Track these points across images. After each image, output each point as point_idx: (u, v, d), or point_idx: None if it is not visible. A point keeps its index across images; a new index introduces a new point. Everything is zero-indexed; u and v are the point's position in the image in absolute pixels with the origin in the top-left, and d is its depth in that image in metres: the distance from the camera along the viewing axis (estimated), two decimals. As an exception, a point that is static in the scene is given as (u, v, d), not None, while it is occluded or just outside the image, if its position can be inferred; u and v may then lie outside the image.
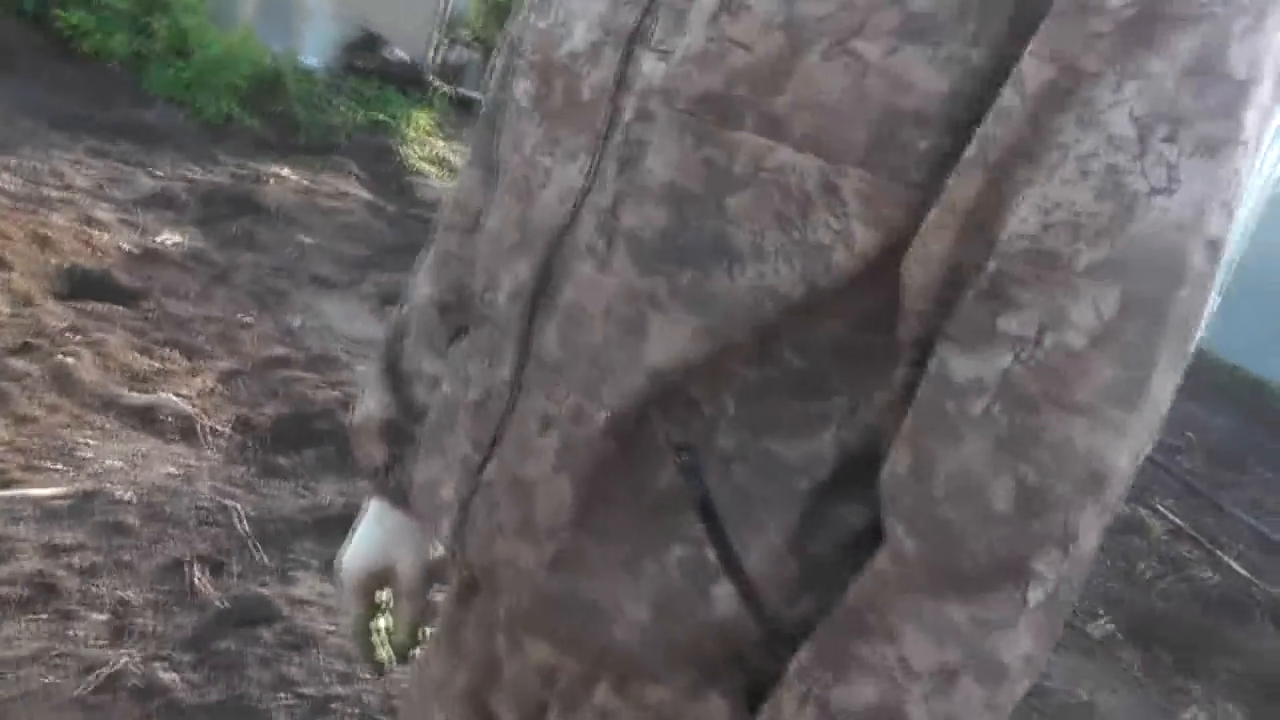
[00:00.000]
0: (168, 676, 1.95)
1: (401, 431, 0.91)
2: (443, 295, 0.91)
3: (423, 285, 0.93)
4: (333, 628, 2.21)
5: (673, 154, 0.63)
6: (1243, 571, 4.41)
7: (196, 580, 2.23)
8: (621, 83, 0.66)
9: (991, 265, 0.58)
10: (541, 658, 0.78)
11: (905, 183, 0.59)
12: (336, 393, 3.15)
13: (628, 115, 0.65)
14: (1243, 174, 0.56)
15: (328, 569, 2.38)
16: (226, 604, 2.19)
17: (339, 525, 2.54)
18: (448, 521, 0.77)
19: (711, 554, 0.66)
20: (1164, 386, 0.58)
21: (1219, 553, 4.50)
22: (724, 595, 0.66)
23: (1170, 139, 0.55)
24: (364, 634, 0.97)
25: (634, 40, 0.65)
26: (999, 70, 0.57)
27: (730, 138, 0.61)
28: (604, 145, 0.66)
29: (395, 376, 0.92)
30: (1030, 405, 0.57)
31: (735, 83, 0.61)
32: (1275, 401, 7.21)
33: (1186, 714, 3.10)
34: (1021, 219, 0.57)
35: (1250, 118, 0.55)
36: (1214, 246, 0.56)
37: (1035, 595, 0.58)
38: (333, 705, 2.01)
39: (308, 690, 2.03)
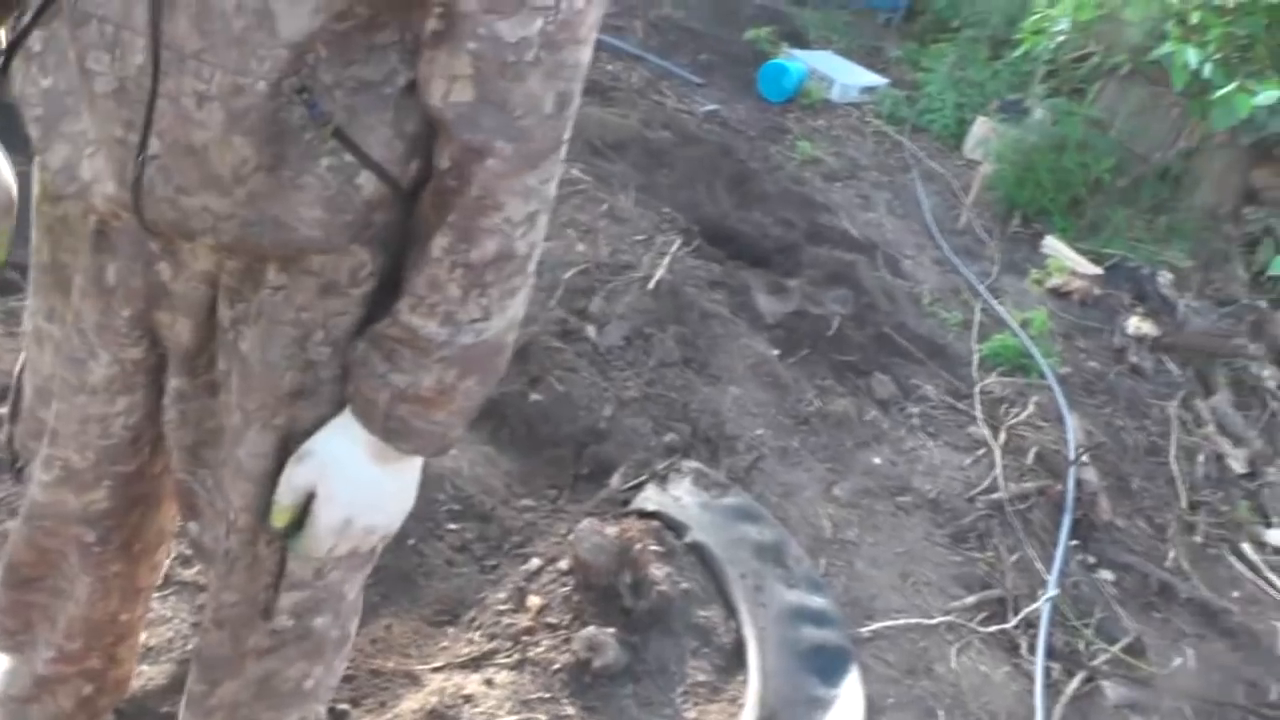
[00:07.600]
0: None
1: None
2: None
3: None
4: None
5: None
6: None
7: None
8: None
9: None
10: (204, 266, 0.99)
11: None
12: None
13: None
14: None
15: None
16: None
17: None
18: (102, 192, 0.94)
19: (347, 157, 0.92)
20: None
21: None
22: (365, 181, 0.93)
23: None
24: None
25: None
26: None
27: None
28: None
29: None
30: (558, 46, 0.87)
31: None
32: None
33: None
34: None
35: None
36: None
37: (563, 151, 0.93)
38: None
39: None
